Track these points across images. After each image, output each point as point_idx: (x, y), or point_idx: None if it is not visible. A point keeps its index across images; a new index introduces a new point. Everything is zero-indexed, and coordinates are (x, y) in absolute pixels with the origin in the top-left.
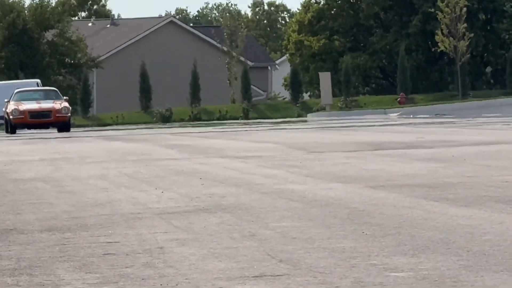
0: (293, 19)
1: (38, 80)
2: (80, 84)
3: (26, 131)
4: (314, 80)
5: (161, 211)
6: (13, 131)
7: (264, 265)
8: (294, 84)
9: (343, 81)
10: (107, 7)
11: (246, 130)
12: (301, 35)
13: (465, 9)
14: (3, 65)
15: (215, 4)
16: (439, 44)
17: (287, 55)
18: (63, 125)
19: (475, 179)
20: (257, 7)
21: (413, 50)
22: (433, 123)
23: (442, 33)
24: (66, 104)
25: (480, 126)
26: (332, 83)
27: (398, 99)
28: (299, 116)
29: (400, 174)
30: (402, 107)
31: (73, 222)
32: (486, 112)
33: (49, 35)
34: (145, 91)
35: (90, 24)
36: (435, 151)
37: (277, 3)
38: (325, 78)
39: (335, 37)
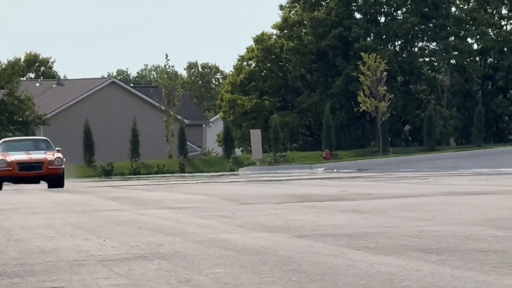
0: (226, 80)
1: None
2: None
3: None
4: (246, 137)
5: (103, 258)
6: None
7: None
8: (227, 141)
9: (272, 138)
10: (54, 69)
11: (182, 183)
12: (234, 95)
13: (385, 73)
14: None
15: (153, 66)
16: (361, 104)
17: (221, 113)
18: (56, 179)
19: (394, 229)
20: (192, 68)
21: (337, 109)
22: (355, 177)
23: (364, 94)
24: (60, 155)
25: (399, 180)
26: (262, 139)
27: (324, 154)
28: (231, 170)
29: (324, 224)
30: (327, 162)
31: (21, 268)
32: (404, 167)
33: None
34: (89, 147)
35: (37, 84)
36: (357, 203)
37: (210, 64)
38: (255, 135)
39: (265, 97)
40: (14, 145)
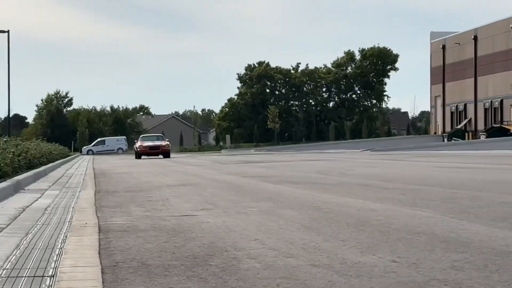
0: (217, 116)
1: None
2: None
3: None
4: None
5: (167, 185)
6: (139, 157)
7: None
8: (217, 140)
9: (234, 138)
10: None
11: (199, 156)
12: (224, 122)
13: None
14: None
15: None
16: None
17: (215, 128)
18: (166, 154)
19: (281, 174)
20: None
21: (259, 128)
22: (271, 153)
23: (270, 120)
24: (168, 142)
25: (284, 154)
26: (231, 138)
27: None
28: (219, 151)
29: (253, 172)
30: (261, 147)
31: (136, 188)
32: (288, 151)
33: None
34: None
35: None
36: (267, 164)
37: (207, 109)
38: (228, 137)
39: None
40: (146, 138)
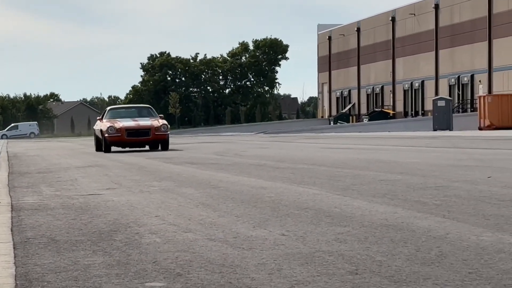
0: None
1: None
2: None
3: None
4: None
5: (75, 167)
6: (107, 150)
7: None
8: None
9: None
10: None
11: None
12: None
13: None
14: None
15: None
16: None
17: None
18: (163, 143)
19: (204, 159)
20: None
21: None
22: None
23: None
24: (165, 121)
25: (198, 137)
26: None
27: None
28: None
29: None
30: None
31: (47, 169)
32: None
33: None
34: None
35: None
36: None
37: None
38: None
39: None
40: (120, 112)
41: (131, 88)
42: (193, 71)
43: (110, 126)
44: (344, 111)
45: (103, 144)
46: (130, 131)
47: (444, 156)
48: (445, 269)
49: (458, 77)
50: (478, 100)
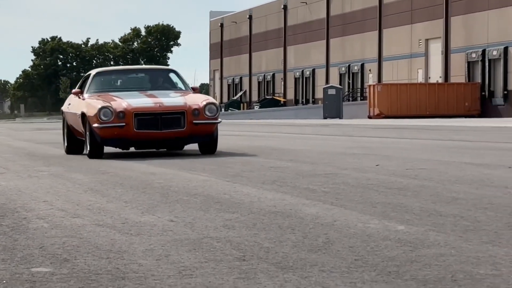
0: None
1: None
2: None
3: None
4: None
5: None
6: (97, 153)
7: None
8: None
9: None
10: None
11: None
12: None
13: None
14: None
15: None
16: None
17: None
18: (208, 141)
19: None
20: None
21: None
22: None
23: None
24: (209, 98)
25: None
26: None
27: None
28: None
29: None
30: None
31: None
32: None
33: None
34: None
35: None
36: None
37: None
38: None
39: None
40: (118, 80)
41: (21, 72)
42: (84, 56)
43: (103, 108)
44: (235, 98)
45: (88, 141)
46: (143, 116)
47: (333, 144)
48: (332, 256)
49: (349, 66)
50: (368, 89)
